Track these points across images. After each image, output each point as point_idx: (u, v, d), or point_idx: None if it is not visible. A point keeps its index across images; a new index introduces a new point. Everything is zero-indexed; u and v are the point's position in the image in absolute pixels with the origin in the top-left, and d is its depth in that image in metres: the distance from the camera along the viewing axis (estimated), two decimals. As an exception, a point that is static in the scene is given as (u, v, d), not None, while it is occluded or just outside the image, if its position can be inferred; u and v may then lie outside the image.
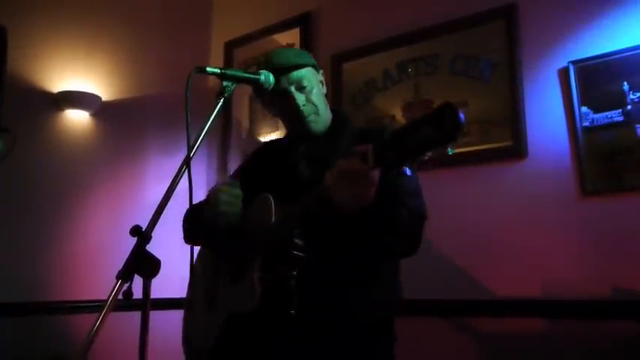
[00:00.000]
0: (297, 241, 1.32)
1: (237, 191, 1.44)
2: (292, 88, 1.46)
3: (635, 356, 1.91)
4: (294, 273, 1.33)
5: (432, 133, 0.97)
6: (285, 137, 1.66)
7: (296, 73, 1.46)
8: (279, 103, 1.50)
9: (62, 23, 2.83)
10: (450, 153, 1.00)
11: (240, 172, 1.72)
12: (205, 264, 1.61)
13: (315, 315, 1.35)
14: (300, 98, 1.46)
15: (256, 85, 1.41)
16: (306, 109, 1.47)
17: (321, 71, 1.58)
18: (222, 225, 1.42)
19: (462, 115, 0.96)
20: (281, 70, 1.45)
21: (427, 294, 2.31)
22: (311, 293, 1.33)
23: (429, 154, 1.00)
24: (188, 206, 1.37)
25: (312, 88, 1.49)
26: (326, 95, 1.58)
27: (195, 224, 1.58)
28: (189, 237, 1.61)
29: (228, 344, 1.43)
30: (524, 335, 2.12)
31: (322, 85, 1.56)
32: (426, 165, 1.40)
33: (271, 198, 1.39)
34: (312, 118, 1.48)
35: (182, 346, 1.56)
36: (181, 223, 1.64)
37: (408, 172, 1.09)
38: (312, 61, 1.55)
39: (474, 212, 2.29)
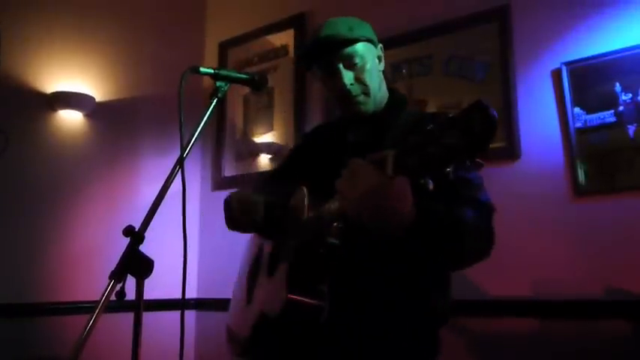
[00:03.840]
0: (328, 239, 1.17)
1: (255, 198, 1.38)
2: (340, 66, 1.33)
3: (627, 356, 1.92)
4: (327, 276, 1.19)
5: (457, 141, 0.79)
6: (338, 119, 1.53)
7: (347, 49, 1.34)
8: (327, 80, 1.38)
9: (56, 23, 2.82)
10: (481, 163, 0.83)
11: (291, 157, 1.64)
12: (251, 254, 1.55)
13: (346, 323, 1.23)
14: (347, 76, 1.33)
15: (250, 85, 1.41)
16: (353, 88, 1.34)
17: (380, 46, 1.43)
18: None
19: (494, 115, 0.77)
20: (330, 46, 1.33)
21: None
22: (343, 299, 1.20)
23: (452, 166, 0.83)
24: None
25: (364, 65, 1.34)
26: (384, 72, 1.44)
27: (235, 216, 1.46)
28: (231, 225, 1.50)
29: (258, 344, 1.35)
30: (516, 335, 2.12)
31: (380, 61, 1.42)
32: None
33: (305, 192, 1.29)
34: (360, 98, 1.35)
35: (226, 334, 1.52)
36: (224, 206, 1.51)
37: (431, 184, 0.89)
38: (369, 33, 1.41)
39: (467, 213, 2.30)
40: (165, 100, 2.97)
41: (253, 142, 3.14)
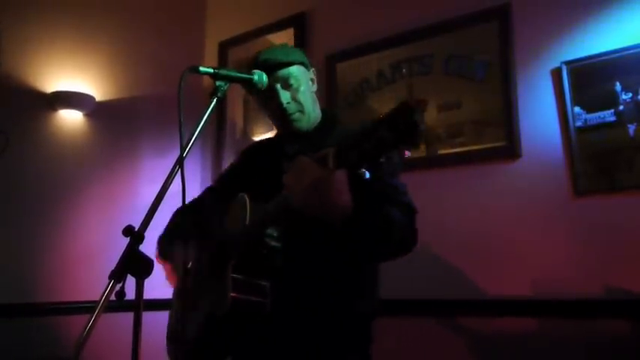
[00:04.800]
0: (269, 241, 1.31)
1: None
2: (278, 86, 1.46)
3: (626, 355, 1.92)
4: (269, 274, 1.33)
5: (387, 135, 0.93)
6: (275, 136, 1.67)
7: (282, 71, 1.46)
8: (266, 100, 1.50)
9: (56, 23, 2.82)
10: (408, 155, 0.99)
11: (230, 171, 1.74)
12: (192, 262, 1.61)
13: (289, 317, 1.36)
14: (284, 96, 1.46)
15: (249, 84, 1.42)
16: (289, 107, 1.47)
17: (313, 69, 1.57)
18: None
19: (418, 116, 0.90)
20: (268, 68, 1.45)
21: (420, 293, 2.32)
22: (285, 294, 1.34)
23: (384, 156, 0.97)
24: (179, 208, 1.38)
25: (299, 86, 1.48)
26: (316, 93, 1.57)
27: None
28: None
29: (206, 344, 1.45)
30: (516, 335, 2.12)
31: (313, 83, 1.55)
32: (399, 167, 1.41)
33: (247, 198, 1.40)
34: (296, 116, 1.48)
35: (166, 343, 1.57)
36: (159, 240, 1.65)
37: (367, 174, 1.03)
38: (302, 58, 1.54)
39: (467, 212, 2.30)
40: (165, 100, 2.97)
41: (253, 141, 3.14)
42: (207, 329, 1.43)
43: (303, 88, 1.49)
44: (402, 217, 1.31)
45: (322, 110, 1.59)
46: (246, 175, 1.61)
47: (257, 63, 1.47)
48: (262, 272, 1.33)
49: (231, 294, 1.29)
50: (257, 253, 1.33)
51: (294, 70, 1.49)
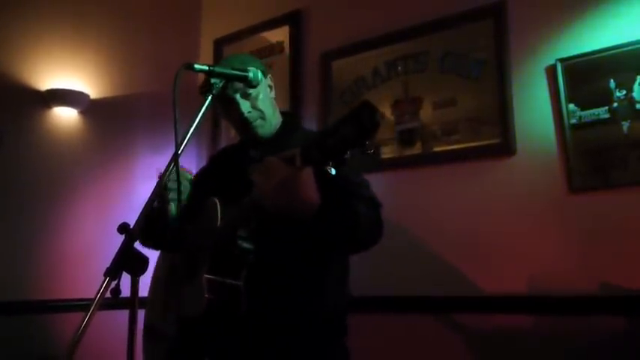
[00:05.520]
0: (240, 242, 1.35)
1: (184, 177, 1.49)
2: (237, 96, 1.50)
3: (622, 351, 1.93)
4: (242, 274, 1.35)
5: (350, 132, 0.99)
6: (239, 142, 1.72)
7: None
8: (227, 110, 1.55)
9: (51, 20, 2.81)
10: (370, 152, 1.03)
11: (198, 177, 1.75)
12: (165, 265, 1.63)
13: (263, 315, 1.39)
14: (244, 105, 1.50)
15: (245, 82, 1.42)
16: (251, 115, 1.51)
17: (270, 76, 1.61)
18: (173, 212, 1.46)
19: (377, 114, 0.98)
20: (226, 79, 1.45)
21: (416, 290, 2.32)
22: (258, 294, 1.36)
23: (349, 152, 1.03)
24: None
25: (257, 94, 1.51)
26: (276, 99, 1.62)
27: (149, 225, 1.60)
28: (145, 238, 1.61)
29: (183, 345, 1.48)
30: (512, 331, 2.13)
31: (271, 90, 1.60)
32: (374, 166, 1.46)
33: (217, 202, 1.43)
34: (257, 123, 1.53)
35: (145, 334, 1.59)
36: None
37: (333, 171, 1.08)
38: (260, 66, 1.55)
39: (462, 209, 2.30)
40: (161, 97, 2.96)
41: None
42: (183, 330, 1.47)
43: (262, 96, 1.53)
44: (368, 210, 1.37)
45: (282, 114, 1.64)
46: (214, 180, 1.65)
47: (213, 73, 1.46)
48: (235, 272, 1.35)
49: (206, 295, 1.32)
50: (229, 253, 1.36)
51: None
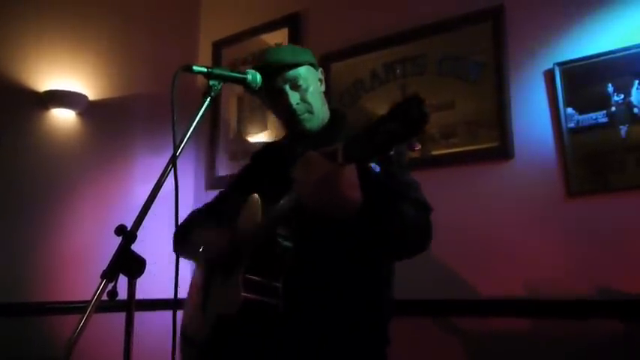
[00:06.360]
0: (281, 241, 1.30)
1: None
2: (286, 87, 1.46)
3: (620, 355, 1.93)
4: (281, 274, 1.30)
5: (395, 127, 0.93)
6: (284, 137, 1.67)
7: (291, 72, 1.46)
8: (274, 101, 1.50)
9: (49, 21, 2.81)
10: (417, 149, 0.99)
11: (241, 174, 1.74)
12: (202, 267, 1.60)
13: (302, 317, 1.33)
14: (293, 97, 1.46)
15: (243, 84, 1.41)
16: (299, 107, 1.46)
17: (320, 70, 1.57)
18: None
19: (425, 108, 0.91)
20: (276, 69, 1.44)
21: (414, 294, 2.31)
22: (297, 296, 1.31)
23: (394, 149, 0.97)
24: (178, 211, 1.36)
25: (307, 87, 1.47)
26: (325, 93, 1.57)
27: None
28: (180, 250, 1.61)
29: (218, 345, 1.42)
30: (510, 335, 2.13)
31: (321, 83, 1.55)
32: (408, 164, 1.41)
33: (259, 199, 1.39)
34: (305, 116, 1.48)
35: (180, 340, 1.56)
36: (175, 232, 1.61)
37: (377, 168, 1.03)
38: (310, 58, 1.53)
39: (460, 213, 2.30)
40: (159, 99, 2.96)
41: (247, 141, 3.14)
42: (218, 330, 1.41)
43: (311, 89, 1.49)
44: (416, 213, 1.28)
45: (331, 110, 1.58)
46: (257, 178, 1.61)
47: (265, 64, 1.46)
48: (275, 273, 1.30)
49: (242, 294, 1.27)
50: (269, 252, 1.30)
51: (303, 70, 1.48)
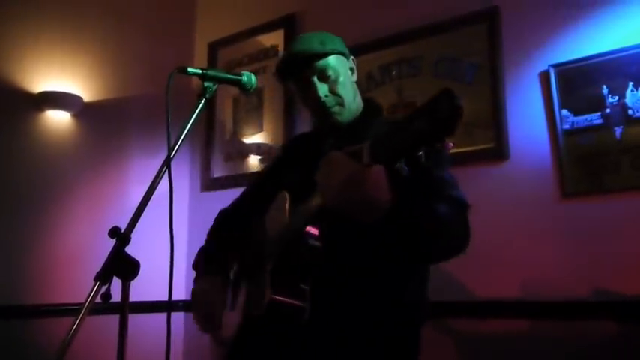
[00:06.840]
0: (308, 240, 1.23)
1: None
2: (314, 79, 1.39)
3: (615, 356, 1.93)
4: (308, 275, 1.24)
5: (424, 126, 0.84)
6: (315, 129, 1.60)
7: (319, 62, 1.39)
8: (303, 92, 1.44)
9: (44, 23, 2.80)
10: (449, 150, 0.91)
11: (270, 167, 1.69)
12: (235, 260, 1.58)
13: (330, 323, 1.27)
14: (321, 89, 1.39)
15: (238, 85, 1.40)
16: (328, 100, 1.40)
17: (352, 58, 1.49)
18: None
19: (459, 102, 0.81)
20: (303, 59, 1.39)
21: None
22: (325, 298, 1.24)
23: (422, 150, 0.89)
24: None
25: (337, 77, 1.41)
26: (357, 83, 1.50)
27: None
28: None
29: (244, 345, 1.39)
30: (505, 336, 2.13)
31: (353, 72, 1.48)
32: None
33: (287, 197, 1.33)
34: (336, 109, 1.41)
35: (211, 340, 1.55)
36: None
37: (406, 170, 0.94)
38: (340, 47, 1.46)
39: (456, 214, 2.30)
40: (154, 101, 2.94)
41: (243, 142, 3.13)
42: (245, 330, 1.37)
43: (342, 79, 1.41)
44: (451, 212, 1.20)
45: (364, 99, 1.51)
46: (286, 171, 1.54)
47: (292, 55, 1.41)
48: (301, 272, 1.24)
49: (268, 294, 1.23)
50: (296, 251, 1.24)
51: (332, 60, 1.41)
